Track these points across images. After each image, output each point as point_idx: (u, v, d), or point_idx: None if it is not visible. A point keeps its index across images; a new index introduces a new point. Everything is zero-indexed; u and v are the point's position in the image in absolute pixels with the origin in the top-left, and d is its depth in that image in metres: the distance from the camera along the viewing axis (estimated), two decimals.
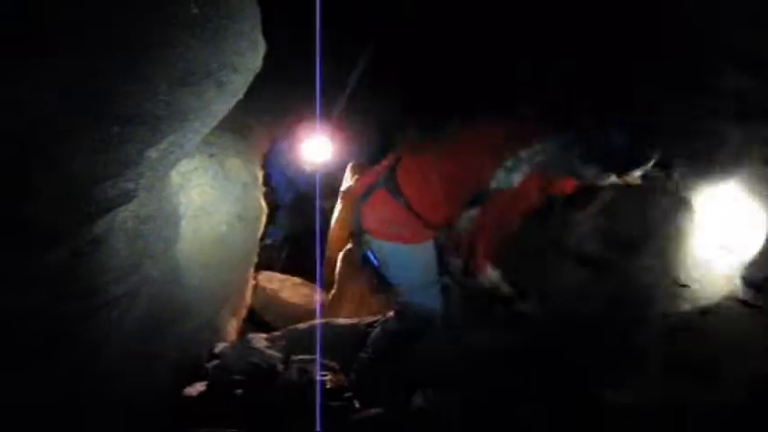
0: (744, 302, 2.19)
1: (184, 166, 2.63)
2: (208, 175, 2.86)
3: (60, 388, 1.85)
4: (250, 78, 1.85)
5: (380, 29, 4.10)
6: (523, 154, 2.33)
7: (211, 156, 2.93)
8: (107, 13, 1.39)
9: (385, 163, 2.66)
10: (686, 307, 2.30)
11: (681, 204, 2.40)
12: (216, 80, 1.63)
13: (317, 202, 5.25)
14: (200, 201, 2.81)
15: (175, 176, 2.48)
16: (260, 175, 3.61)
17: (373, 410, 2.61)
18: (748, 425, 2.03)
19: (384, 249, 2.59)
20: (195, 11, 1.53)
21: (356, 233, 2.68)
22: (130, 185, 1.54)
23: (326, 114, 4.46)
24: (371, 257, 2.67)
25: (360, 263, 2.85)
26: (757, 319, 2.15)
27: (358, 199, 2.67)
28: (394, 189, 2.49)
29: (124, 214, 1.71)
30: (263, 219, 3.61)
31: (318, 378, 2.81)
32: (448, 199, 2.46)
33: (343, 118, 4.71)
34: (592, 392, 2.33)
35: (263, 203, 3.58)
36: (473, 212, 2.52)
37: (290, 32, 3.03)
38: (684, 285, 2.32)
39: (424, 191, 2.46)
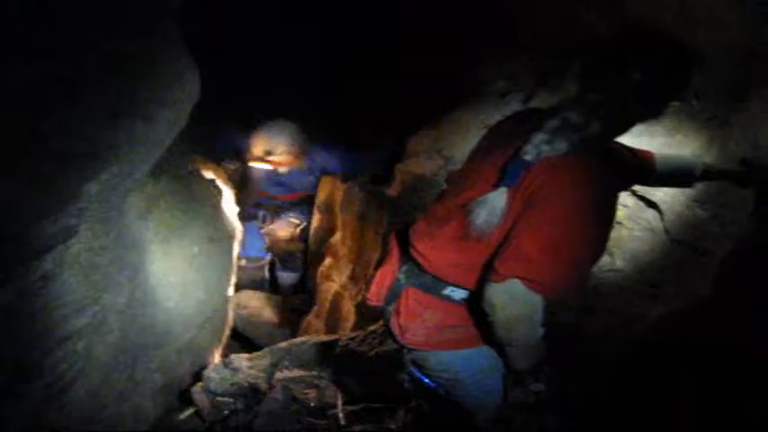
0: None
1: (151, 189, 2.60)
2: (176, 198, 2.82)
3: (27, 426, 1.80)
4: (188, 108, 1.80)
5: None
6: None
7: (179, 178, 2.90)
8: (18, 56, 1.35)
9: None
10: None
11: None
12: (143, 115, 1.59)
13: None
14: (170, 224, 2.77)
15: (140, 201, 2.45)
16: (231, 195, 3.58)
17: (358, 428, 2.59)
18: None
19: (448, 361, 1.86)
20: (111, 46, 1.49)
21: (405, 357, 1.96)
22: (72, 221, 1.50)
23: None
24: (423, 379, 1.98)
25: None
26: None
27: (378, 309, 1.98)
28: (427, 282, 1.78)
29: (76, 247, 1.67)
30: (239, 237, 3.58)
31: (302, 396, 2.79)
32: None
33: None
34: None
35: (238, 223, 3.55)
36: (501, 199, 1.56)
37: None
38: None
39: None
